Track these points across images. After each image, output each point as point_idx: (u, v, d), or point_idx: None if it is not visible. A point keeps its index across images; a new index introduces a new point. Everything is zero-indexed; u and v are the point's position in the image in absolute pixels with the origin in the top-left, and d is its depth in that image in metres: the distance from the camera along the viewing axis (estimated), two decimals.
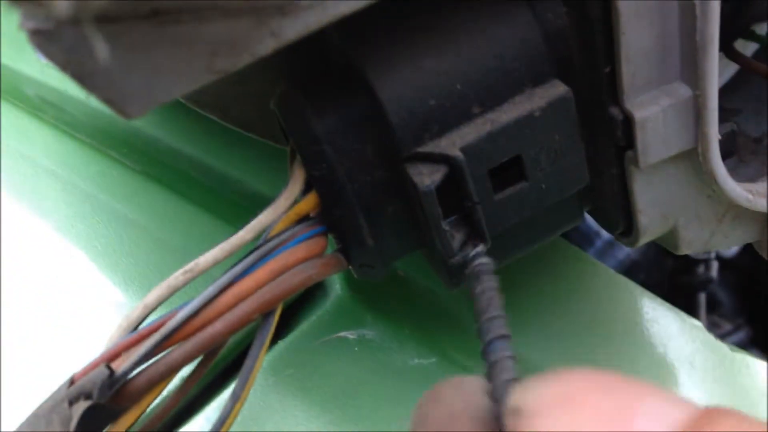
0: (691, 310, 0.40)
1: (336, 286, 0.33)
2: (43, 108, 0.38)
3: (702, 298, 0.52)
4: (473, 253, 0.23)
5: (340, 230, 0.24)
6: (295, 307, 0.33)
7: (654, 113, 0.24)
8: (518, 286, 0.33)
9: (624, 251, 0.48)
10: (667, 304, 0.33)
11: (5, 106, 0.39)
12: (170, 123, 0.37)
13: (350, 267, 0.25)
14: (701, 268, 0.52)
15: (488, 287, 0.21)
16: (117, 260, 0.35)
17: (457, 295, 0.32)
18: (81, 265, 0.35)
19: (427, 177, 0.22)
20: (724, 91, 0.34)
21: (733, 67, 0.33)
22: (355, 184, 0.23)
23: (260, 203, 0.24)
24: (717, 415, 0.17)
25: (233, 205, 0.35)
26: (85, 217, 0.36)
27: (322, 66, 0.24)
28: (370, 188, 0.24)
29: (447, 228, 0.23)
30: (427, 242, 0.25)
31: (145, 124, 0.37)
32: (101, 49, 0.15)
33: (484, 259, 0.22)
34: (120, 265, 0.34)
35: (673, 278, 0.52)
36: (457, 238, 0.24)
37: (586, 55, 0.24)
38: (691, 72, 0.24)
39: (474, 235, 0.24)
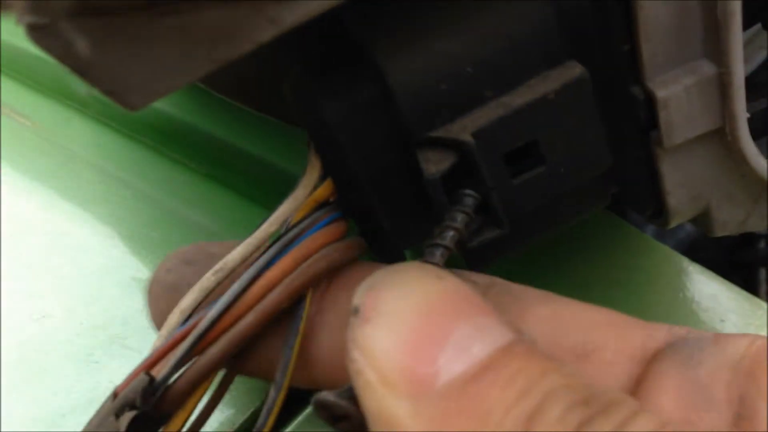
0: (751, 286, 0.39)
1: None
2: (93, 107, 0.40)
3: (763, 274, 0.51)
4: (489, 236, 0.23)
5: (358, 215, 0.25)
6: None
7: (677, 92, 0.23)
8: (573, 266, 0.32)
9: (684, 230, 0.47)
10: (727, 282, 0.32)
11: (56, 108, 0.41)
12: (229, 120, 0.37)
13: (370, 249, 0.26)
14: (762, 244, 0.51)
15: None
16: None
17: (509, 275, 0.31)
18: (142, 270, 0.36)
19: (434, 165, 0.22)
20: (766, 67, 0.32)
21: None
22: (367, 168, 0.24)
23: None
24: (511, 355, 0.18)
25: (274, 192, 0.36)
26: (155, 222, 0.37)
27: (334, 49, 0.24)
28: (383, 172, 0.24)
29: (459, 213, 0.23)
30: None
31: (194, 118, 0.38)
32: (82, 44, 0.16)
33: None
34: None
35: (734, 255, 0.50)
36: (473, 222, 0.24)
37: (604, 33, 0.23)
38: (715, 49, 0.23)
39: (491, 221, 0.24)
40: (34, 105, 0.40)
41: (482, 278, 0.24)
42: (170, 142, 0.38)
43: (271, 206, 0.35)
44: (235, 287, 0.23)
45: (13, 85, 0.42)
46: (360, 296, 0.19)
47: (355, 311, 0.19)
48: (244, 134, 0.36)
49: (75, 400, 0.31)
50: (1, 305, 0.35)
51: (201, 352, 0.23)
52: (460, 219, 0.23)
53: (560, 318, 0.22)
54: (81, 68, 0.18)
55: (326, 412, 0.21)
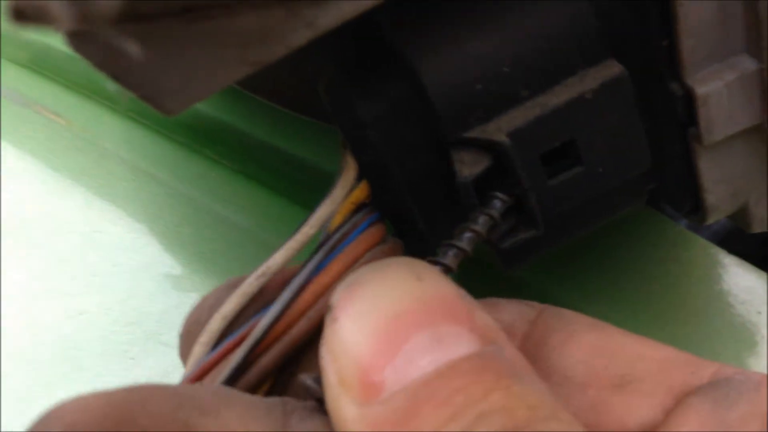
0: None
1: None
2: (125, 104, 0.40)
3: None
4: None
5: (393, 216, 0.25)
6: None
7: (717, 88, 0.23)
8: (606, 258, 0.32)
9: (719, 221, 0.46)
10: (764, 274, 0.32)
11: (87, 106, 0.41)
12: (261, 117, 0.38)
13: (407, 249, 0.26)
14: None
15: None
16: (220, 262, 0.36)
17: (557, 282, 0.32)
18: (177, 267, 0.36)
19: (468, 167, 0.22)
20: None
21: None
22: (402, 169, 0.24)
23: None
24: (459, 371, 0.18)
25: (305, 188, 0.36)
26: (188, 220, 0.37)
27: (368, 50, 0.24)
28: (417, 173, 0.24)
29: (495, 214, 0.23)
30: None
31: (229, 117, 0.38)
32: (134, 49, 0.16)
33: None
34: (221, 266, 0.35)
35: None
36: (507, 223, 0.23)
37: (642, 30, 0.23)
38: (756, 44, 0.22)
39: (525, 221, 0.23)
40: (66, 103, 0.41)
41: (540, 304, 0.24)
42: (202, 139, 0.38)
43: (302, 201, 0.36)
44: (286, 295, 0.23)
45: (45, 84, 0.42)
46: (336, 294, 0.20)
47: (329, 309, 0.20)
48: (275, 131, 0.36)
49: None
50: (38, 303, 0.35)
51: (252, 360, 0.23)
52: (481, 221, 0.22)
53: (605, 347, 0.22)
54: (120, 75, 0.18)
55: (305, 393, 0.21)
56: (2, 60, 0.43)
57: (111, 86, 0.39)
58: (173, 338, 0.33)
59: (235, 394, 0.21)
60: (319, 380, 0.20)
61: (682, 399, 0.20)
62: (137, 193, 0.38)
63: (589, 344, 0.22)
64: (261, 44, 0.19)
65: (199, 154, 0.38)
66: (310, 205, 0.35)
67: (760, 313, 0.31)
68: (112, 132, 0.39)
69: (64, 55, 0.42)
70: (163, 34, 0.17)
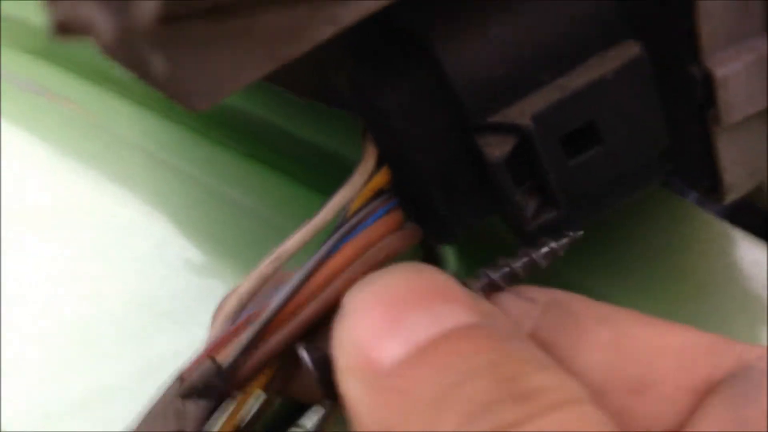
0: None
1: (450, 260, 0.33)
2: (134, 89, 0.40)
3: None
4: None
5: (414, 202, 0.25)
6: None
7: (736, 70, 0.23)
8: (614, 232, 0.32)
9: None
10: None
11: (96, 91, 0.41)
12: (270, 100, 0.37)
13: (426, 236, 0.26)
14: None
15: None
16: (230, 243, 0.36)
17: (565, 258, 0.31)
18: (188, 248, 0.36)
19: (497, 148, 0.22)
20: None
21: None
22: (424, 155, 0.24)
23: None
24: (453, 338, 0.19)
25: (332, 178, 0.36)
26: (197, 202, 0.37)
27: (388, 37, 0.24)
28: (440, 159, 0.24)
29: (520, 198, 0.23)
30: (501, 209, 0.25)
31: (240, 101, 0.38)
32: (159, 63, 0.16)
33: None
34: (230, 248, 0.36)
35: None
36: (531, 206, 0.24)
37: (662, 11, 0.23)
38: None
39: (548, 203, 0.24)
40: (77, 89, 0.40)
41: (543, 295, 0.24)
42: (211, 123, 0.38)
43: (311, 184, 0.36)
44: (299, 276, 0.24)
45: (55, 70, 0.42)
46: (346, 297, 0.21)
47: (341, 310, 0.21)
48: (285, 114, 0.36)
49: (127, 374, 0.32)
50: (51, 287, 0.35)
51: (263, 338, 0.24)
52: (521, 263, 0.24)
53: (620, 344, 0.21)
54: (147, 76, 0.18)
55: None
56: (13, 48, 0.43)
57: (122, 73, 0.39)
58: (185, 318, 0.34)
59: None
60: (316, 353, 0.22)
61: (703, 398, 0.20)
62: (147, 177, 0.38)
63: (602, 344, 0.22)
64: (286, 41, 0.19)
65: (208, 138, 0.38)
66: (320, 188, 0.36)
67: (758, 282, 0.31)
68: (123, 117, 0.39)
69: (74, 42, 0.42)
70: (190, 36, 0.17)
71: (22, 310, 0.35)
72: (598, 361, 0.21)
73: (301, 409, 0.30)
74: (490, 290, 0.24)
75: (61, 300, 0.35)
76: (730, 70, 0.23)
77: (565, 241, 0.24)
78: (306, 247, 0.25)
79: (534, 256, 0.24)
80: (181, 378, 0.23)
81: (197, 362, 0.23)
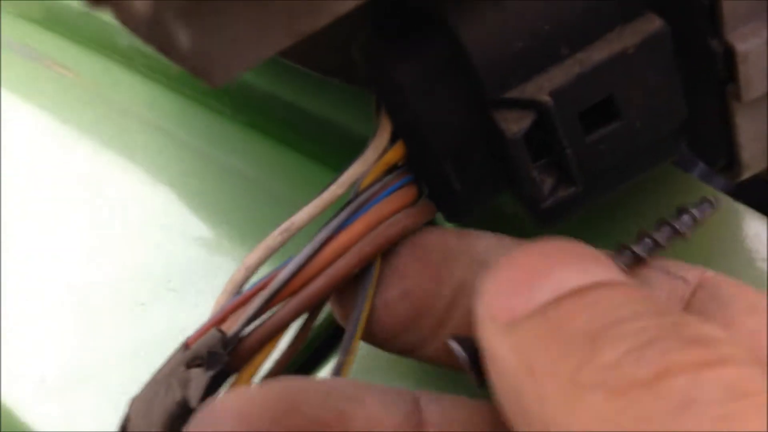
0: None
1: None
2: (135, 58, 0.39)
3: None
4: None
5: (428, 177, 0.24)
6: None
7: (757, 45, 0.22)
8: (620, 208, 0.32)
9: None
10: None
11: (97, 59, 0.40)
12: (268, 71, 0.37)
13: (439, 212, 0.25)
14: None
15: None
16: (227, 212, 0.35)
17: (569, 233, 0.31)
18: (187, 217, 0.36)
19: (515, 124, 0.22)
20: None
21: None
22: (440, 130, 0.23)
23: (362, 146, 0.24)
24: (604, 287, 0.18)
25: (332, 149, 0.35)
26: (196, 171, 0.37)
27: (404, 12, 0.23)
28: (455, 134, 0.23)
29: (536, 174, 0.23)
30: (516, 185, 0.25)
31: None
32: (183, 37, 0.15)
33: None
34: (228, 217, 0.35)
35: None
36: (548, 182, 0.23)
37: None
38: None
39: (565, 179, 0.23)
40: (75, 57, 0.40)
41: (693, 274, 0.23)
42: (215, 94, 0.38)
43: (312, 154, 0.36)
44: (307, 249, 0.23)
45: (54, 38, 0.41)
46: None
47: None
48: (292, 87, 0.36)
49: (123, 340, 0.32)
50: (48, 252, 0.35)
51: (269, 310, 0.23)
52: (664, 234, 0.23)
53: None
54: (166, 49, 0.17)
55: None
56: (13, 15, 0.42)
57: (122, 41, 0.38)
58: (181, 285, 0.33)
59: (370, 385, 0.21)
60: (465, 342, 0.21)
61: None
62: (145, 145, 0.37)
63: (750, 332, 0.21)
64: (306, 13, 0.18)
65: (207, 107, 0.38)
66: (326, 161, 0.35)
67: (764, 259, 0.31)
68: (123, 86, 0.39)
69: (75, 11, 0.41)
70: (215, 9, 0.17)
71: (20, 277, 0.34)
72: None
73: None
74: (634, 264, 0.23)
75: (59, 268, 0.35)
76: (752, 45, 0.22)
77: (707, 208, 0.23)
78: (316, 221, 0.24)
79: (677, 225, 0.23)
80: (185, 346, 0.23)
81: (202, 331, 0.23)
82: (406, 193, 0.24)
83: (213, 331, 0.23)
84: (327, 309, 0.26)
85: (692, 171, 0.41)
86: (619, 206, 0.32)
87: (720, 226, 0.32)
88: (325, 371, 0.29)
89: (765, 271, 0.31)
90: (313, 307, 0.24)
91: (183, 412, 0.22)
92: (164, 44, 0.17)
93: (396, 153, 0.24)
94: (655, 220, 0.32)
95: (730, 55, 0.23)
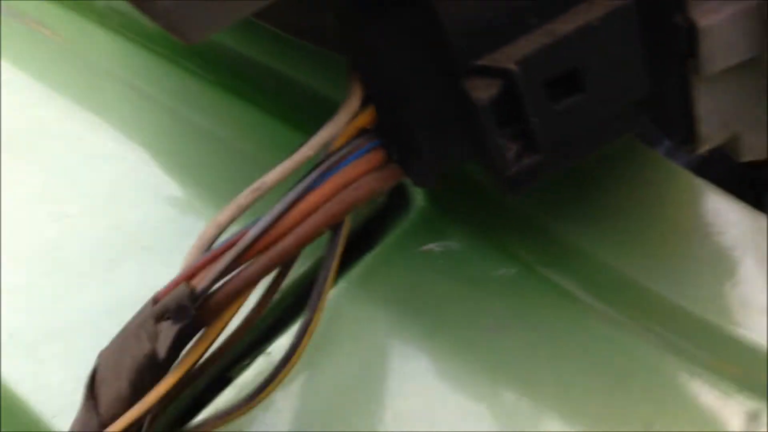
0: (759, 205, 0.40)
1: (418, 198, 0.34)
2: (112, 18, 0.39)
3: None
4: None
5: (397, 142, 0.25)
6: (379, 220, 0.34)
7: (719, 20, 0.23)
8: (584, 182, 0.33)
9: None
10: (730, 197, 0.33)
11: (75, 19, 0.40)
12: (241, 33, 0.37)
13: (407, 177, 0.26)
14: None
15: None
16: (198, 171, 0.36)
17: (530, 200, 0.32)
18: (159, 176, 0.36)
19: (483, 91, 0.23)
20: None
21: None
22: (411, 96, 0.24)
23: (332, 109, 0.25)
24: None
25: (302, 111, 0.36)
26: (164, 129, 0.37)
27: None
28: (426, 101, 0.24)
29: (502, 141, 0.24)
30: (483, 152, 0.25)
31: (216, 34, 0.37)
32: None
33: None
34: (199, 176, 0.36)
35: (743, 174, 0.51)
36: (513, 149, 0.24)
37: None
38: None
39: (529, 147, 0.24)
40: (53, 16, 0.40)
41: None
42: (185, 53, 0.38)
43: (290, 121, 0.36)
44: (277, 208, 0.24)
45: None
46: None
47: None
48: (267, 50, 0.36)
49: (94, 296, 0.33)
50: (21, 206, 0.35)
51: (239, 266, 0.24)
52: None
53: None
54: (145, 6, 0.17)
55: None
56: None
57: (98, 1, 0.38)
58: (153, 242, 0.34)
59: None
60: None
61: None
62: (120, 103, 0.38)
63: None
64: None
65: (181, 67, 0.38)
66: (297, 124, 0.36)
67: (720, 233, 0.32)
68: (99, 45, 0.39)
69: None
70: None
71: None
72: None
73: (269, 336, 0.31)
74: None
75: (30, 224, 0.35)
76: (713, 20, 0.23)
77: None
78: (286, 181, 0.25)
79: None
80: (155, 299, 0.24)
81: (172, 286, 0.24)
82: (375, 157, 0.25)
83: (182, 286, 0.23)
84: (296, 270, 0.26)
85: (657, 147, 0.42)
86: (585, 180, 0.33)
87: (684, 203, 0.33)
88: (293, 329, 0.30)
89: (720, 244, 0.32)
90: (282, 265, 0.25)
91: (151, 364, 0.23)
92: (144, 1, 0.17)
93: (366, 117, 0.24)
94: (618, 195, 0.33)
95: (692, 30, 0.23)
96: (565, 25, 0.23)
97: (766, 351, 0.29)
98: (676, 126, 0.26)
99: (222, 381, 0.29)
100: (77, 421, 0.24)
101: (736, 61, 0.24)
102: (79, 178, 0.36)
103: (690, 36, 0.24)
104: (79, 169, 0.36)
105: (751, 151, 0.27)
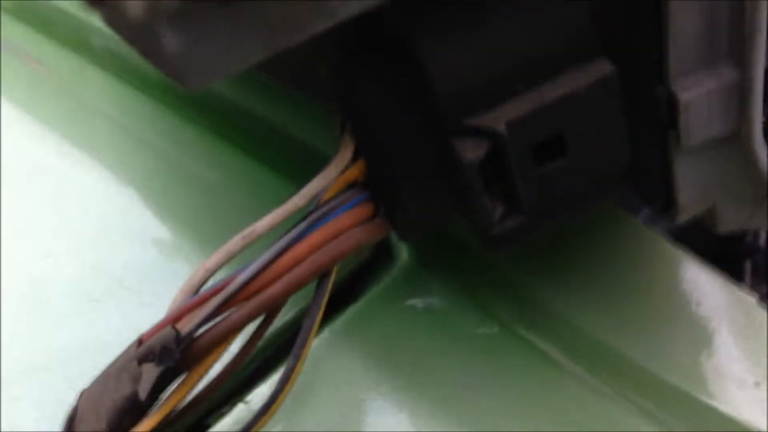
0: (736, 276, 0.41)
1: (402, 254, 0.34)
2: (108, 60, 0.40)
3: (748, 265, 0.52)
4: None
5: (385, 196, 0.26)
6: (364, 273, 0.34)
7: (699, 95, 0.24)
8: (565, 247, 0.33)
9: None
10: (708, 268, 0.33)
11: (71, 57, 0.40)
12: (236, 82, 0.38)
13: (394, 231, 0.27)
14: (749, 237, 0.52)
15: None
16: (186, 216, 0.36)
17: (513, 262, 0.33)
18: (147, 218, 0.36)
19: (471, 152, 0.23)
20: None
21: None
22: (400, 153, 0.24)
23: (322, 161, 0.25)
24: None
25: (294, 162, 0.36)
26: (156, 172, 0.37)
27: (374, 36, 0.25)
28: (414, 158, 0.25)
29: (488, 201, 0.24)
30: (468, 210, 0.26)
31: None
32: (173, 42, 0.16)
33: None
34: (187, 221, 0.36)
35: (721, 245, 0.51)
36: (498, 210, 0.25)
37: (635, 35, 0.24)
38: (738, 57, 0.24)
39: (513, 209, 0.25)
40: (49, 53, 0.41)
41: None
42: (184, 100, 0.39)
43: (280, 169, 0.37)
44: (266, 256, 0.24)
45: (30, 32, 0.41)
46: None
47: None
48: (260, 99, 0.37)
49: (74, 336, 0.32)
50: (8, 243, 0.35)
51: (225, 312, 0.24)
52: None
53: None
54: (148, 52, 0.18)
55: None
56: None
57: (96, 41, 0.38)
58: (136, 284, 0.34)
59: None
60: None
61: None
62: (111, 144, 0.38)
63: None
64: (283, 30, 0.19)
65: (175, 112, 0.39)
66: (287, 173, 0.36)
67: (699, 304, 0.33)
68: (93, 85, 0.40)
69: (52, 7, 0.42)
70: (196, 16, 0.18)
71: None
72: None
73: (249, 384, 0.31)
74: None
75: (14, 259, 0.35)
76: (694, 95, 0.24)
77: None
78: (276, 230, 0.25)
79: None
80: (139, 342, 0.24)
81: (157, 328, 0.24)
82: (363, 210, 0.25)
83: (168, 329, 0.23)
84: (281, 318, 0.27)
85: (637, 215, 0.43)
86: (566, 244, 0.33)
87: (657, 269, 0.34)
88: (273, 378, 0.30)
89: (696, 314, 0.32)
90: (267, 312, 0.25)
91: (132, 407, 0.23)
92: (149, 47, 0.18)
93: (357, 170, 0.25)
94: (598, 261, 0.34)
95: (673, 103, 0.24)
96: (552, 92, 0.24)
97: (738, 422, 0.29)
98: (656, 195, 0.27)
99: (199, 429, 0.29)
100: None
101: (715, 135, 0.25)
102: (66, 217, 0.36)
103: (671, 108, 0.24)
104: (67, 207, 0.36)
105: (727, 224, 0.28)
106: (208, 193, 0.36)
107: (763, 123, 0.25)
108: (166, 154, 0.37)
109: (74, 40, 0.41)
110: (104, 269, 0.34)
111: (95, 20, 0.36)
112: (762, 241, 0.52)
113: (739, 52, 0.24)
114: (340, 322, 0.32)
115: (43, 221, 0.36)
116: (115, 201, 0.37)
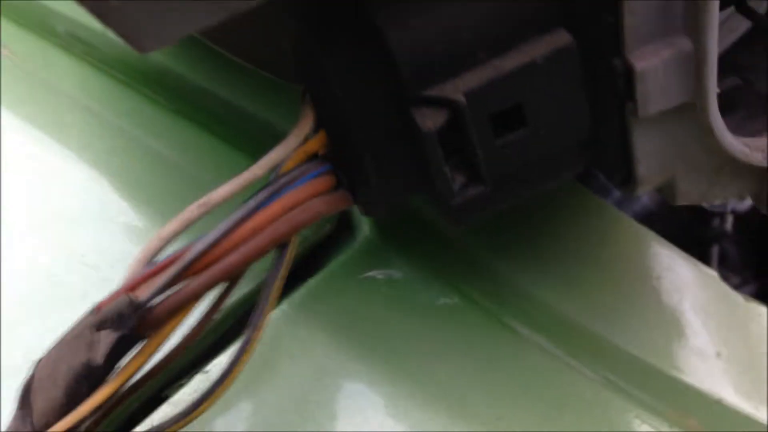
0: (703, 261, 0.41)
1: (364, 227, 0.34)
2: (72, 44, 0.40)
3: (715, 250, 0.52)
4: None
5: (347, 169, 0.26)
6: (324, 247, 0.34)
7: (654, 65, 0.24)
8: (536, 230, 0.34)
9: (641, 202, 0.49)
10: (684, 254, 0.34)
11: (35, 41, 0.40)
12: (197, 61, 0.38)
13: (355, 204, 0.27)
14: (716, 222, 0.52)
15: None
16: (146, 192, 0.36)
17: (476, 237, 0.33)
18: (109, 195, 0.36)
19: (430, 120, 0.23)
20: (738, 47, 0.34)
21: (748, 23, 0.34)
22: (362, 124, 0.24)
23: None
24: None
25: (256, 141, 0.36)
26: (117, 151, 0.37)
27: (335, 6, 0.25)
28: (376, 129, 0.25)
29: (448, 171, 0.24)
30: (430, 183, 0.26)
31: (174, 62, 0.38)
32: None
33: None
34: (149, 197, 0.36)
35: (689, 230, 0.52)
36: (458, 180, 0.25)
37: (591, 5, 0.24)
38: (692, 26, 0.24)
39: (474, 179, 0.25)
40: (14, 37, 0.41)
41: None
42: (145, 79, 0.39)
43: (240, 146, 0.37)
44: (224, 225, 0.24)
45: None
46: None
47: None
48: (220, 78, 0.37)
49: (33, 311, 0.32)
50: None
51: (183, 281, 0.24)
52: None
53: None
54: (99, 11, 0.18)
55: None
56: None
57: (60, 27, 0.38)
58: (95, 259, 0.34)
59: None
60: None
61: None
62: (72, 122, 0.38)
63: None
64: None
65: (138, 93, 0.39)
66: (243, 148, 0.36)
67: (659, 278, 0.33)
68: (58, 68, 0.40)
69: None
70: None
71: None
72: None
73: (208, 356, 0.31)
74: None
75: None
76: (650, 64, 0.24)
77: None
78: (234, 200, 0.25)
79: None
80: (96, 309, 0.24)
81: (114, 296, 0.24)
82: (324, 182, 0.25)
83: (123, 296, 0.23)
84: (238, 291, 0.26)
85: (608, 198, 0.43)
86: (530, 221, 0.34)
87: (622, 246, 0.34)
88: (232, 349, 0.30)
89: (659, 288, 0.33)
90: (227, 282, 0.25)
91: (88, 373, 0.23)
92: (99, 7, 0.18)
93: (318, 142, 0.25)
94: (567, 242, 0.34)
95: (629, 74, 0.24)
96: (511, 61, 0.24)
97: (699, 392, 0.29)
98: (615, 167, 0.27)
99: (158, 399, 0.29)
100: (9, 429, 0.24)
101: (672, 105, 0.25)
102: (28, 196, 0.36)
103: (627, 79, 0.25)
104: (27, 184, 0.36)
105: (685, 196, 0.28)
106: (169, 171, 0.36)
107: (718, 94, 0.25)
108: (128, 133, 0.38)
109: (40, 26, 0.41)
110: (64, 245, 0.34)
111: (59, 5, 0.37)
112: (729, 225, 0.52)
113: (693, 22, 0.24)
114: (298, 295, 0.32)
115: (6, 199, 0.36)
116: (75, 177, 0.37)
